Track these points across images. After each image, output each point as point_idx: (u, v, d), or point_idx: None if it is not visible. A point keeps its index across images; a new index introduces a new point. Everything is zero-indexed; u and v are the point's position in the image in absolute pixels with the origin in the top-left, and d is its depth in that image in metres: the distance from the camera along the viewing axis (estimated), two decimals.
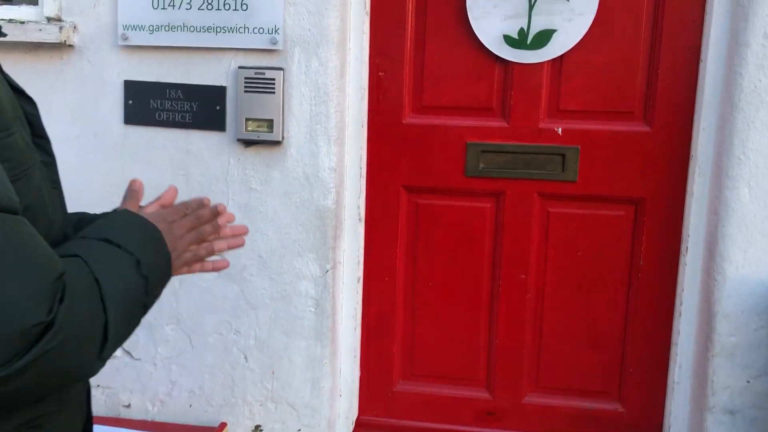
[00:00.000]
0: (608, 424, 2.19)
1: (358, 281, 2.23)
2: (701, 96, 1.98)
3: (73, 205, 2.18)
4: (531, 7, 2.01)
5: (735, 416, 1.93)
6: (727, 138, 1.89)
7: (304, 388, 2.12)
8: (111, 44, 2.09)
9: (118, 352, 2.18)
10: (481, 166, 2.14)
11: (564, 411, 2.21)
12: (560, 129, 2.09)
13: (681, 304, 2.08)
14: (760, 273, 1.90)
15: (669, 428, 2.13)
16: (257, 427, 2.14)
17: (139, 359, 2.18)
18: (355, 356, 2.26)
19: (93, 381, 2.23)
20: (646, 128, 2.06)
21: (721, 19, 1.92)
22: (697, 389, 2.02)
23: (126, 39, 2.07)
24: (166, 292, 2.12)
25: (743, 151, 1.87)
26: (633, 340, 2.15)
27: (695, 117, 2.01)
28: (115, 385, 2.20)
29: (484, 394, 2.25)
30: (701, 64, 1.98)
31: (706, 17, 1.96)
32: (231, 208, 2.07)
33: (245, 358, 2.13)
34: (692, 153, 2.02)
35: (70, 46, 2.09)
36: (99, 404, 2.20)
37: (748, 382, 1.92)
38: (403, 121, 2.16)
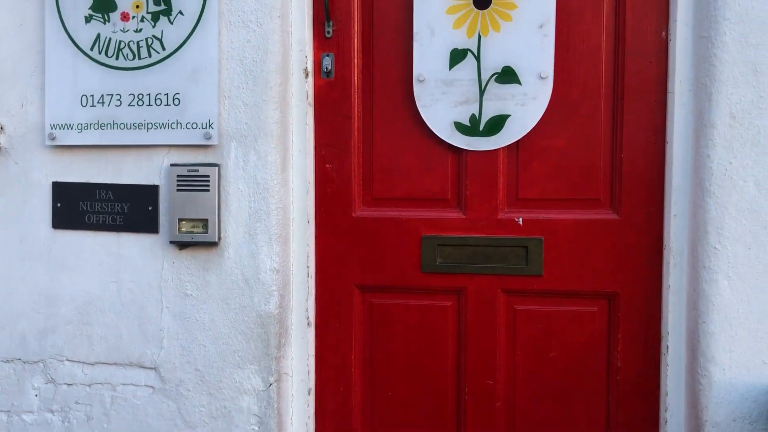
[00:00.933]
0: None
1: (309, 393, 2.02)
2: (669, 180, 1.83)
3: None
4: (482, 92, 1.89)
5: None
6: (701, 225, 1.73)
7: None
8: (39, 144, 1.97)
9: None
10: (439, 260, 1.97)
11: None
12: (521, 219, 1.93)
13: (666, 411, 1.86)
14: (750, 375, 1.69)
15: None
16: None
17: None
18: None
19: None
20: (614, 216, 1.89)
21: (683, 99, 1.78)
22: None
23: (54, 138, 1.94)
24: (97, 412, 1.93)
25: (719, 239, 1.70)
26: None
27: (665, 203, 1.85)
28: None
29: None
30: (667, 146, 1.84)
31: (669, 96, 1.83)
32: (165, 318, 1.91)
33: None
34: (665, 242, 1.85)
35: None
36: None
37: None
38: (354, 215, 2.01)
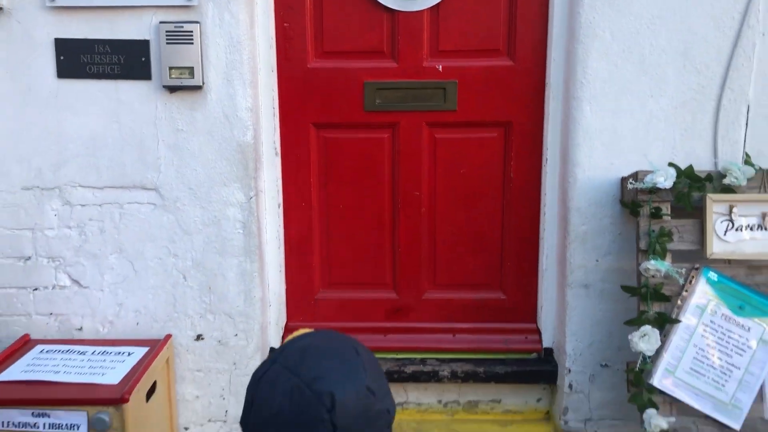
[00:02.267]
0: (493, 310, 2.65)
1: (279, 207, 2.58)
2: (551, 32, 2.42)
3: (11, 155, 2.49)
4: None
5: (588, 289, 2.42)
6: (571, 66, 2.34)
7: (237, 299, 2.46)
8: (39, 6, 2.31)
9: (67, 282, 2.45)
10: (378, 101, 2.51)
11: (457, 302, 2.66)
12: (441, 66, 2.48)
13: (545, 206, 2.55)
14: (602, 174, 2.36)
15: (541, 307, 2.62)
16: (199, 336, 2.48)
17: (88, 287, 2.46)
18: (280, 271, 2.62)
19: (45, 309, 2.52)
20: (510, 62, 2.48)
21: None
22: (559, 272, 2.50)
23: (53, 0, 2.30)
24: (108, 226, 2.42)
25: (584, 76, 2.32)
26: (509, 240, 2.61)
27: (548, 50, 2.45)
28: (67, 312, 2.47)
29: (392, 295, 2.67)
30: (550, 7, 2.42)
31: None
32: (161, 148, 2.38)
33: (184, 277, 2.45)
34: (547, 81, 2.47)
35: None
36: (53, 330, 2.48)
37: (597, 261, 2.40)
38: (308, 66, 2.50)
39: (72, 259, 2.44)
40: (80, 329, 2.48)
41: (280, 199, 2.58)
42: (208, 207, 2.41)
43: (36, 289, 2.46)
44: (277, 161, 2.55)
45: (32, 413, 2.03)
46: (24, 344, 2.40)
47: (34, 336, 2.46)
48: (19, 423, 2.03)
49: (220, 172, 2.39)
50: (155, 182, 2.40)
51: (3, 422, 2.03)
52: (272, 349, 2.59)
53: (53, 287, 2.46)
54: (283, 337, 2.64)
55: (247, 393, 1.11)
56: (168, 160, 2.39)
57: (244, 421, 1.11)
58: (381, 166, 2.58)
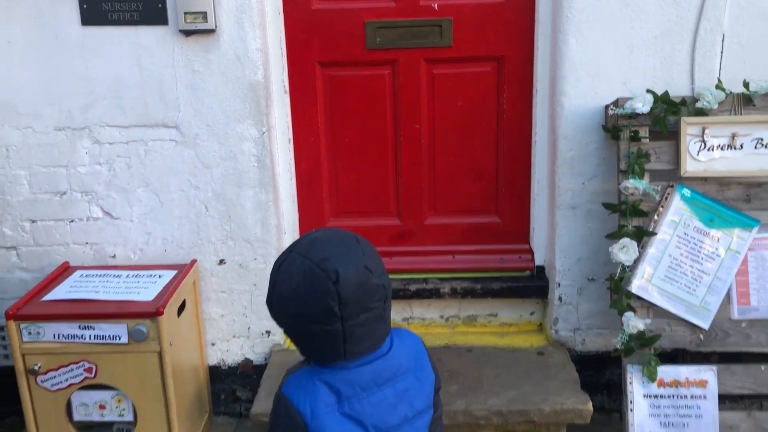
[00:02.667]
0: (489, 233, 2.88)
1: (289, 142, 2.79)
2: None
3: (44, 99, 2.69)
4: None
5: (576, 210, 2.63)
6: (558, 1, 2.50)
7: (255, 226, 2.70)
8: None
9: (100, 214, 2.70)
10: (378, 39, 2.69)
11: (456, 227, 2.89)
12: (436, 5, 2.65)
13: (536, 134, 2.74)
14: (587, 102, 2.54)
15: (534, 229, 2.85)
16: (221, 260, 2.73)
17: (119, 218, 2.70)
18: (293, 201, 2.85)
19: (81, 239, 2.76)
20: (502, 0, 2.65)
21: None
22: (549, 195, 2.72)
23: None
24: (135, 162, 2.64)
25: (570, 10, 2.47)
26: (503, 168, 2.82)
27: None
28: (101, 241, 2.72)
29: (396, 221, 2.90)
30: None
31: None
32: (180, 89, 2.58)
33: (206, 207, 2.68)
34: (536, 17, 2.64)
35: None
36: (89, 258, 2.73)
37: (583, 184, 2.61)
38: (312, 7, 2.68)
39: (103, 193, 2.68)
40: (113, 257, 2.74)
41: (290, 134, 2.79)
42: (224, 142, 2.63)
43: (72, 221, 2.71)
44: (286, 99, 2.75)
45: (79, 326, 2.30)
46: (64, 270, 2.66)
47: (72, 263, 2.72)
48: (68, 335, 2.30)
49: (235, 109, 2.60)
50: (176, 120, 2.61)
51: (54, 334, 2.30)
52: None
53: (87, 219, 2.71)
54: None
55: (270, 278, 1.36)
56: (186, 100, 2.60)
57: (269, 301, 1.36)
58: (383, 102, 2.77)
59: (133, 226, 2.71)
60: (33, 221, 2.71)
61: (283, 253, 1.36)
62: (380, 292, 1.32)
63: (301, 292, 1.27)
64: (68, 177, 2.67)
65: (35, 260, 2.75)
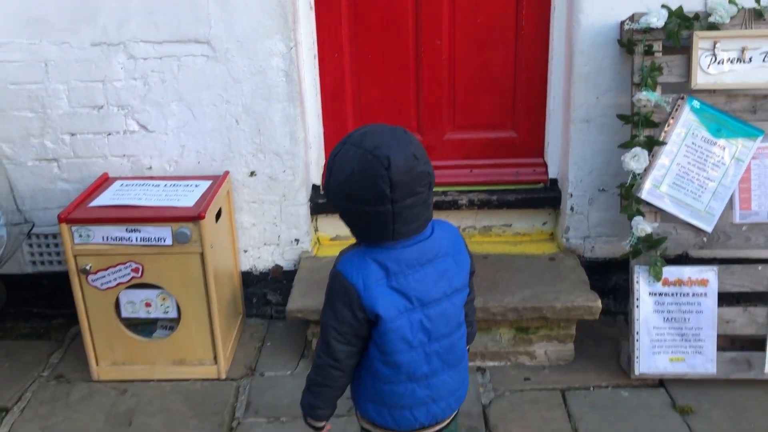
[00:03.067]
0: (506, 147, 3.03)
1: (315, 58, 2.90)
2: None
3: (80, 15, 2.75)
4: None
5: (589, 123, 2.77)
6: None
7: (284, 139, 2.84)
8: None
9: (136, 127, 2.83)
10: None
11: (475, 141, 3.03)
12: None
13: (552, 50, 2.85)
14: (603, 19, 2.64)
15: (548, 143, 2.99)
16: (252, 172, 2.88)
17: (154, 131, 2.84)
18: (318, 116, 2.98)
19: (119, 151, 2.90)
20: None
21: None
22: (564, 109, 2.85)
23: None
24: (168, 77, 2.74)
25: None
26: (520, 83, 2.93)
27: None
28: (138, 153, 2.87)
29: (416, 135, 3.03)
30: None
31: None
32: (210, 5, 2.67)
33: (237, 121, 2.82)
34: None
35: None
36: (126, 169, 2.88)
37: (597, 98, 2.73)
38: None
39: (139, 107, 2.80)
40: (150, 168, 2.89)
41: (315, 50, 2.89)
42: (254, 57, 2.73)
43: (110, 134, 2.85)
44: (312, 15, 2.85)
45: (126, 229, 2.47)
46: (104, 180, 2.81)
47: (111, 174, 2.87)
48: (116, 237, 2.48)
49: (264, 25, 2.69)
50: (207, 36, 2.71)
51: (103, 236, 2.48)
52: (314, 186, 2.99)
53: (124, 132, 2.84)
54: (323, 176, 3.03)
55: (326, 167, 1.51)
56: (217, 16, 2.69)
57: (327, 187, 1.51)
58: (405, 18, 2.86)
59: (168, 138, 2.85)
60: (72, 134, 2.84)
61: (337, 145, 1.50)
62: (426, 179, 1.47)
63: (356, 177, 1.42)
64: (105, 91, 2.79)
65: (76, 171, 2.90)
